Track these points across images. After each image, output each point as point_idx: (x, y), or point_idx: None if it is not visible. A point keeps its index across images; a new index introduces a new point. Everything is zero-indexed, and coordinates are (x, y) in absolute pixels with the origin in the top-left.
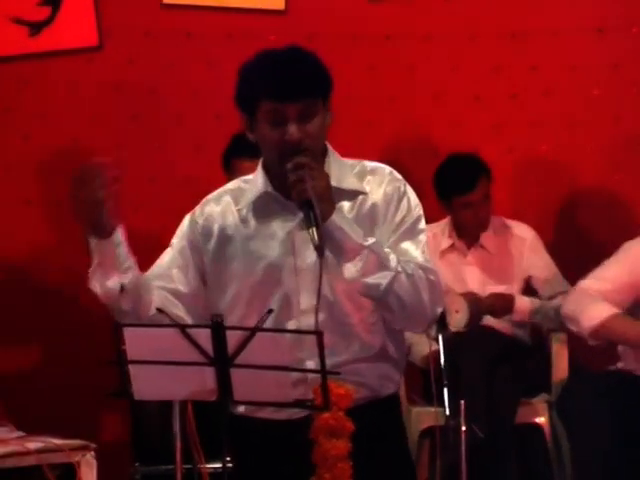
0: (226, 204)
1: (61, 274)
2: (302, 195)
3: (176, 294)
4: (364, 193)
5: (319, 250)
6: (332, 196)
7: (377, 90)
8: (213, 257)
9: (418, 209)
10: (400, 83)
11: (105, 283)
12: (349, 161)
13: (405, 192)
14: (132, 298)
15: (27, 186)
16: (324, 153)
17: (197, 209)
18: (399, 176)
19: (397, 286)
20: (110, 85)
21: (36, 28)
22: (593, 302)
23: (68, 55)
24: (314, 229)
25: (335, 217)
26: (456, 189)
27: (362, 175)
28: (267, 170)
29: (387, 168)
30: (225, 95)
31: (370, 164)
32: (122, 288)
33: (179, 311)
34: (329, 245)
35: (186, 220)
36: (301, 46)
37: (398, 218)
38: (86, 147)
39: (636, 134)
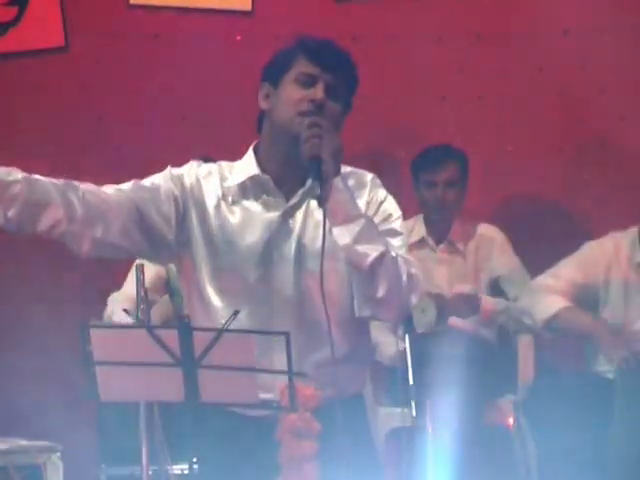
0: (213, 176)
1: (17, 278)
2: (314, 150)
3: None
4: None
5: (320, 200)
6: (340, 161)
7: None
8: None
9: (398, 214)
10: (366, 83)
11: None
12: None
13: (386, 197)
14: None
15: None
16: None
17: (183, 169)
18: (379, 182)
19: (383, 264)
20: (76, 86)
21: (2, 28)
22: (547, 295)
23: (34, 56)
24: (318, 182)
25: (341, 179)
26: (423, 166)
27: (345, 178)
28: (257, 153)
29: (369, 174)
30: (191, 96)
31: (353, 169)
32: None
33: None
34: (329, 204)
35: (166, 174)
36: None
37: (379, 219)
38: (52, 147)
39: (601, 135)
